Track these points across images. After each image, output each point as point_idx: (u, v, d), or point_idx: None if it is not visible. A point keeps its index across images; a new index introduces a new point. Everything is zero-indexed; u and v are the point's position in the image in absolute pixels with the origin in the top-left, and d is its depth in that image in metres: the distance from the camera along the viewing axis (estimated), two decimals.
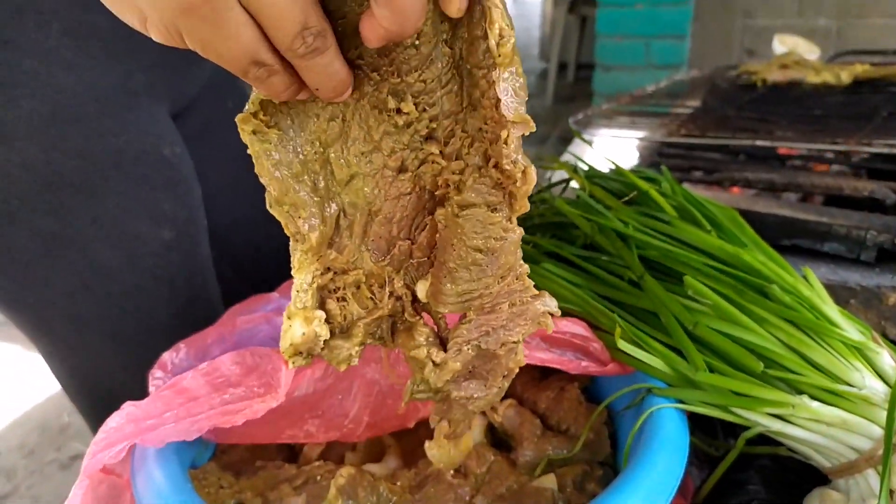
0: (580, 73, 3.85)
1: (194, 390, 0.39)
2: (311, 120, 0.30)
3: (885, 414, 0.40)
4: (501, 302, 0.33)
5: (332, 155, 0.31)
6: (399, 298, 0.33)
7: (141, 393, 0.64)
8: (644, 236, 0.51)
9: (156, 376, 0.47)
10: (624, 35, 2.34)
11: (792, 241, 0.58)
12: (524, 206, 0.31)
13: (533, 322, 0.34)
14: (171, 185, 0.62)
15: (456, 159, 0.31)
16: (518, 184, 0.30)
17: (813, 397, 0.42)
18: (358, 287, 0.33)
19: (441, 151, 0.31)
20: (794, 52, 1.25)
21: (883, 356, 0.43)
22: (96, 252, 0.58)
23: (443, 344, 0.34)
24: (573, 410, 0.49)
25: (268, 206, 0.31)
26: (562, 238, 0.59)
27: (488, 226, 0.30)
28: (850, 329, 0.44)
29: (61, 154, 0.55)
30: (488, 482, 0.44)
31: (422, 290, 0.33)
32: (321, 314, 0.32)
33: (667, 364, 0.45)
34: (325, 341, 0.32)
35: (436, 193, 0.32)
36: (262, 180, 0.31)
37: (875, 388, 0.41)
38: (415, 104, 0.30)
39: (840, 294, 0.53)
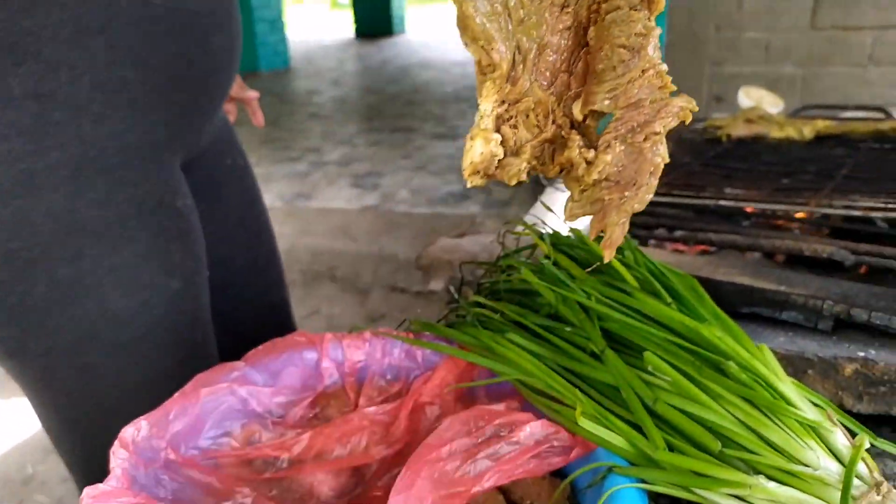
0: None
1: None
2: None
3: (838, 494, 0.40)
4: (644, 98, 0.36)
5: (511, 2, 0.35)
6: (559, 126, 0.38)
7: None
8: (606, 309, 0.52)
9: (119, 456, 0.46)
10: None
11: (751, 309, 0.59)
12: (660, 6, 0.35)
13: (674, 115, 0.37)
14: (182, 235, 0.64)
15: None
16: None
17: (769, 477, 0.42)
18: (527, 115, 0.37)
19: None
20: (759, 106, 1.29)
21: (837, 435, 0.43)
22: (110, 300, 0.60)
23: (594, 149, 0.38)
24: (537, 485, 0.49)
25: (464, 46, 0.36)
26: (527, 305, 0.60)
27: (630, 23, 0.35)
28: (806, 408, 0.44)
29: (85, 203, 0.56)
30: None
31: (577, 109, 0.38)
32: (498, 136, 0.37)
33: (627, 442, 0.45)
34: (498, 161, 0.37)
35: (588, 27, 0.37)
36: (463, 24, 0.35)
37: (829, 468, 0.42)
38: None
39: (798, 365, 0.54)
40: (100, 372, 0.61)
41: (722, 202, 0.85)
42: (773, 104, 1.41)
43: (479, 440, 0.46)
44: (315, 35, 10.59)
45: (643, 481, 0.44)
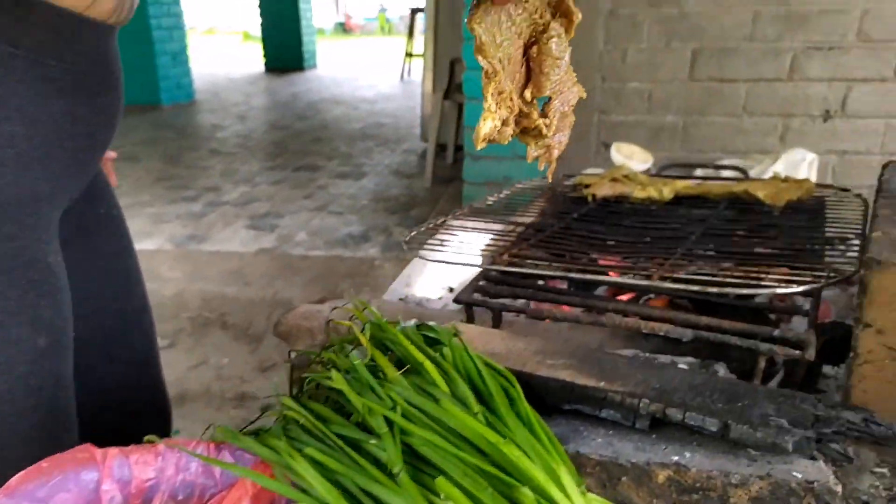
0: (458, 154, 3.94)
1: None
2: (491, 15, 0.52)
3: None
4: (567, 86, 0.55)
5: (498, 35, 0.52)
6: (517, 106, 0.55)
7: None
8: (410, 424, 0.48)
9: None
10: None
11: (572, 405, 0.57)
12: (572, 34, 0.54)
13: (577, 95, 0.57)
14: (52, 292, 0.63)
15: (541, 17, 0.54)
16: (573, 18, 0.54)
17: None
18: (504, 100, 0.54)
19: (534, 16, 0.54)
20: (626, 165, 1.31)
21: None
22: None
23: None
24: None
25: (474, 54, 0.51)
26: (342, 407, 0.55)
27: (562, 45, 0.53)
28: None
29: None
30: None
31: (528, 94, 0.55)
32: (499, 114, 0.53)
33: None
34: (498, 130, 0.54)
35: (530, 44, 0.55)
36: (480, 48, 0.51)
37: None
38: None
39: (612, 471, 0.52)
40: None
41: (571, 274, 0.84)
42: (643, 160, 1.44)
43: None
44: (224, 68, 10.36)
45: None
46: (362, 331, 0.61)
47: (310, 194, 3.81)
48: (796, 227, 1.00)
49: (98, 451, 0.52)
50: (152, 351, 0.90)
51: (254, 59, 10.84)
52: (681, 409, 0.53)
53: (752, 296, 0.92)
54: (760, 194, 1.11)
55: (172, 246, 3.04)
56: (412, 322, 0.62)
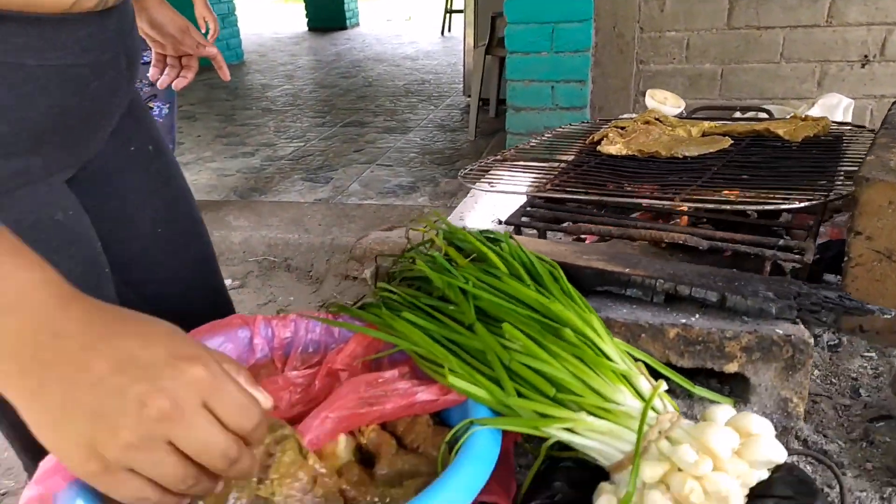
0: (501, 107, 4.05)
1: None
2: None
3: (638, 424, 0.54)
4: None
5: None
6: None
7: None
8: (479, 291, 0.65)
9: None
10: (531, 80, 2.53)
11: (603, 287, 0.73)
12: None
13: None
14: (65, 245, 0.72)
15: None
16: None
17: (590, 413, 0.56)
18: None
19: None
20: (657, 109, 1.44)
21: (641, 381, 0.57)
22: None
23: None
24: (423, 433, 0.62)
25: None
26: (426, 289, 0.72)
27: None
28: (621, 362, 0.58)
29: None
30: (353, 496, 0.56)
31: None
32: None
33: (488, 392, 0.58)
34: None
35: None
36: None
37: (633, 405, 0.56)
38: None
39: (635, 331, 0.68)
40: None
41: (605, 198, 0.98)
42: (675, 105, 1.56)
43: (373, 391, 0.59)
44: (268, 28, 10.53)
45: (501, 424, 0.57)
46: (437, 234, 0.77)
47: (359, 148, 3.98)
48: (810, 158, 1.13)
49: (248, 317, 0.70)
50: (209, 258, 0.97)
51: (297, 19, 10.94)
52: (688, 286, 0.68)
53: (768, 214, 1.06)
54: (780, 131, 1.22)
55: (237, 197, 3.26)
56: (475, 228, 0.78)
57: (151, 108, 2.08)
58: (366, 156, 3.84)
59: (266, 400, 0.46)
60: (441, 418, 0.65)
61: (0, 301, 0.39)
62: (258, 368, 0.68)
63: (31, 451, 0.81)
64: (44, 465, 0.50)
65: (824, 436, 0.76)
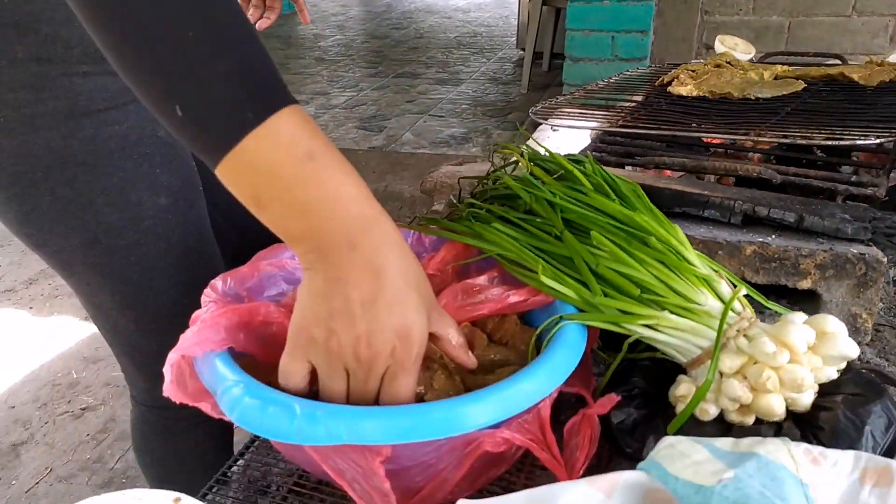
0: (554, 61, 4.01)
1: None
2: None
3: (718, 322, 0.58)
4: None
5: None
6: None
7: (147, 327, 0.85)
8: (566, 203, 0.69)
9: (209, 297, 0.64)
10: (591, 29, 2.51)
11: (681, 208, 0.76)
12: None
13: None
14: (166, 160, 0.80)
15: None
16: None
17: (672, 312, 0.60)
18: None
19: None
20: (729, 53, 1.43)
21: (722, 285, 0.61)
22: (104, 215, 0.77)
23: None
24: (511, 330, 0.67)
25: None
26: (510, 205, 0.77)
27: None
28: (702, 266, 0.62)
29: (77, 141, 0.73)
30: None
31: None
32: None
33: (576, 293, 0.63)
34: None
35: None
36: None
37: (714, 305, 0.60)
38: None
39: (712, 247, 0.71)
40: (105, 269, 0.80)
41: (678, 133, 1.01)
42: (745, 51, 1.55)
43: (470, 298, 0.65)
44: None
45: (586, 321, 0.62)
46: (522, 155, 0.81)
47: (412, 99, 4.01)
48: (885, 101, 1.12)
49: None
50: None
51: None
52: (766, 208, 0.71)
53: (839, 151, 1.07)
54: (855, 76, 1.22)
55: None
56: (556, 151, 0.82)
57: None
58: (418, 106, 3.87)
59: (471, 362, 0.59)
60: (526, 321, 0.71)
61: (324, 207, 0.47)
62: None
63: (132, 356, 0.90)
64: (182, 339, 0.57)
65: (886, 360, 0.79)
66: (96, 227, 0.77)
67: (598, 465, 0.66)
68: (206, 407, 0.55)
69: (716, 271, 0.65)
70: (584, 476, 0.58)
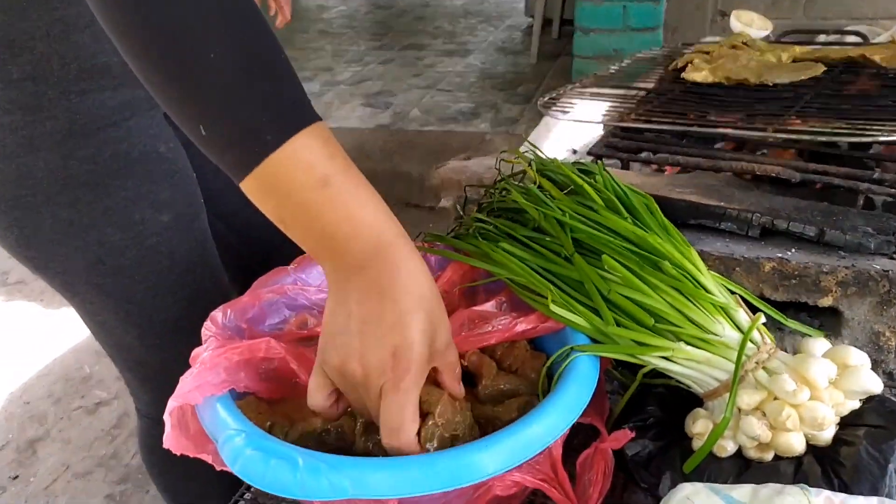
0: (564, 28, 3.92)
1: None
2: None
3: (736, 354, 0.56)
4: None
5: None
6: None
7: (152, 342, 0.82)
8: (576, 223, 0.66)
9: (209, 330, 0.63)
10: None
11: (697, 221, 0.73)
12: None
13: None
14: (167, 176, 0.78)
15: None
16: None
17: (688, 343, 0.58)
18: None
19: None
20: (744, 33, 1.38)
21: (740, 313, 0.58)
22: (107, 235, 0.75)
23: None
24: (521, 356, 0.65)
25: None
26: (517, 220, 0.74)
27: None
28: (719, 294, 0.59)
29: (77, 160, 0.71)
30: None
31: None
32: None
33: (587, 321, 0.61)
34: None
35: None
36: None
37: (731, 336, 0.57)
38: None
39: (728, 264, 0.69)
40: (108, 289, 0.78)
41: (693, 128, 0.97)
42: (762, 28, 1.49)
43: (476, 328, 0.63)
44: None
45: (598, 350, 0.60)
46: (529, 165, 0.78)
47: (418, 73, 3.94)
48: None
49: None
50: None
51: None
52: (786, 220, 0.69)
53: (862, 146, 1.03)
54: (877, 58, 1.17)
55: None
56: (566, 158, 0.79)
57: None
58: (425, 80, 3.81)
59: (460, 392, 0.57)
60: (535, 346, 0.69)
61: (339, 231, 0.47)
62: None
63: (136, 371, 0.89)
64: (182, 384, 0.55)
65: None
66: (99, 248, 0.75)
67: (613, 495, 0.65)
68: (207, 457, 0.54)
69: (733, 293, 0.63)
70: None
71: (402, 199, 2.74)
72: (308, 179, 0.46)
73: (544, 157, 0.79)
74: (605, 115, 1.15)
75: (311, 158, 0.46)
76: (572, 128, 1.30)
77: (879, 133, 0.89)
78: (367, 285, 0.48)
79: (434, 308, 0.51)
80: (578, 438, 0.69)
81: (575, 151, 1.40)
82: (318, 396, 0.53)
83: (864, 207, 0.92)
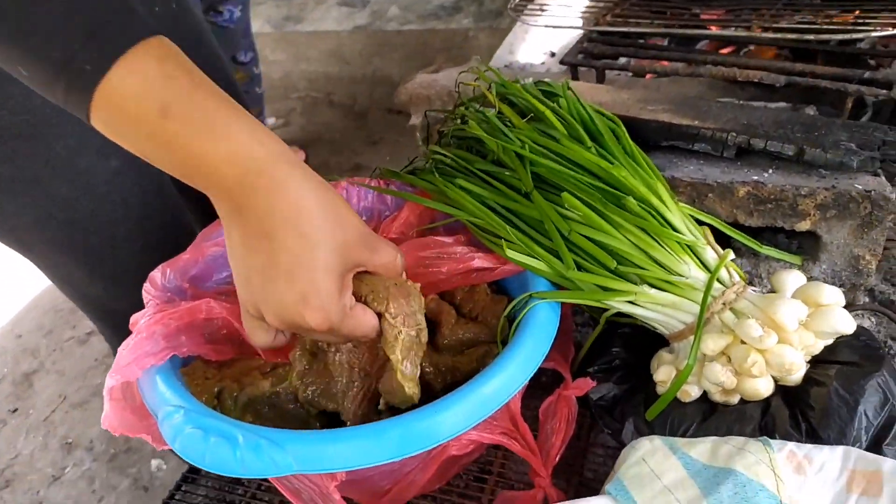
0: None
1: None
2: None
3: (702, 295, 0.53)
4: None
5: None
6: None
7: (116, 293, 0.79)
8: (536, 156, 0.61)
9: (150, 293, 0.59)
10: None
11: (669, 142, 0.68)
12: None
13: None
14: None
15: None
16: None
17: (653, 286, 0.54)
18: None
19: None
20: None
21: (707, 251, 0.55)
22: (53, 188, 0.69)
23: None
24: (482, 302, 0.62)
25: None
26: (479, 151, 0.69)
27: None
28: (686, 232, 0.55)
29: (9, 112, 0.64)
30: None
31: None
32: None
33: (547, 265, 0.57)
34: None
35: None
36: None
37: (698, 276, 0.54)
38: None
39: (701, 190, 0.64)
40: (64, 243, 0.74)
41: (673, 30, 0.90)
42: None
43: (429, 251, 0.59)
44: None
45: (560, 296, 0.56)
46: (489, 89, 0.72)
47: None
48: None
49: None
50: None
51: None
52: (763, 139, 0.63)
53: (852, 42, 0.95)
54: None
55: (272, 28, 3.12)
56: (530, 80, 0.72)
57: (221, 13, 1.88)
58: None
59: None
60: (499, 286, 0.65)
61: (199, 169, 0.42)
62: None
63: (107, 320, 0.86)
64: (119, 357, 0.53)
65: (892, 284, 0.74)
66: (48, 202, 0.70)
67: (580, 435, 0.64)
68: (147, 437, 0.52)
69: (703, 225, 0.59)
70: (560, 459, 0.56)
71: (385, 105, 2.64)
72: (142, 111, 0.40)
73: (506, 81, 0.73)
74: (581, 17, 1.07)
75: (141, 85, 0.40)
76: (548, 36, 1.21)
77: (872, 28, 0.82)
78: (251, 230, 0.44)
79: (334, 229, 0.46)
80: (546, 377, 0.67)
81: (553, 55, 1.32)
82: (257, 338, 0.50)
83: (855, 109, 0.87)
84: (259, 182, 0.43)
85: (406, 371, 0.51)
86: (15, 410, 1.63)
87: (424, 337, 0.53)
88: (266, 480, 0.64)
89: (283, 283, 0.44)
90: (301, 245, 0.44)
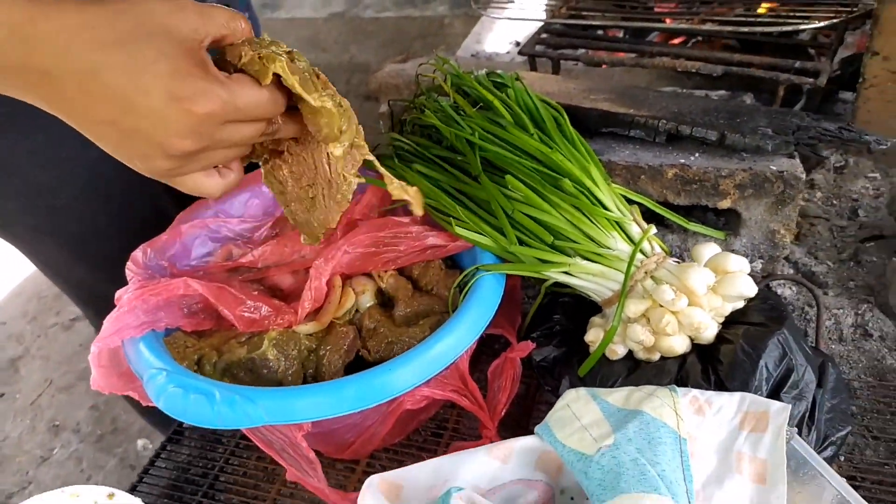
0: None
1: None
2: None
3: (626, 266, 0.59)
4: None
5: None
6: None
7: (100, 276, 0.83)
8: (484, 143, 0.67)
9: (133, 270, 0.65)
10: None
11: (608, 129, 0.75)
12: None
13: None
14: None
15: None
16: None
17: (585, 258, 0.61)
18: None
19: None
20: None
21: (632, 227, 0.62)
22: (35, 176, 0.73)
23: None
24: (436, 275, 0.69)
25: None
26: (434, 137, 0.75)
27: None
28: (615, 209, 0.62)
29: None
30: (375, 333, 0.64)
31: None
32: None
33: (493, 240, 0.64)
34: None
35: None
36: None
37: (623, 249, 0.61)
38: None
39: (634, 172, 0.71)
40: (48, 230, 0.78)
41: (622, 23, 0.96)
42: None
43: (387, 231, 0.65)
44: None
45: (504, 269, 0.63)
46: (445, 80, 0.78)
47: None
48: None
49: None
50: None
51: None
52: (690, 126, 0.70)
53: (794, 33, 1.02)
54: None
55: None
56: (483, 71, 0.79)
57: None
58: None
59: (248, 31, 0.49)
60: (454, 261, 0.72)
61: None
62: (283, 222, 0.74)
63: (91, 304, 0.91)
64: (104, 328, 0.59)
65: (815, 258, 0.81)
66: (30, 191, 0.74)
67: (527, 396, 0.71)
68: (134, 394, 0.58)
69: (634, 203, 0.65)
70: (507, 410, 0.62)
71: (362, 93, 2.68)
72: None
73: (461, 72, 0.79)
74: (543, 9, 1.13)
75: None
76: (511, 27, 1.27)
77: (809, 21, 0.89)
78: (59, 101, 0.43)
79: (136, 28, 0.41)
80: (499, 345, 0.74)
81: (518, 44, 1.38)
82: (206, 187, 0.51)
83: (791, 96, 0.94)
84: (45, 21, 0.39)
85: (326, 105, 0.55)
86: (2, 395, 1.68)
87: (306, 63, 0.54)
88: (243, 438, 0.70)
89: (143, 108, 0.41)
90: (122, 67, 0.40)
